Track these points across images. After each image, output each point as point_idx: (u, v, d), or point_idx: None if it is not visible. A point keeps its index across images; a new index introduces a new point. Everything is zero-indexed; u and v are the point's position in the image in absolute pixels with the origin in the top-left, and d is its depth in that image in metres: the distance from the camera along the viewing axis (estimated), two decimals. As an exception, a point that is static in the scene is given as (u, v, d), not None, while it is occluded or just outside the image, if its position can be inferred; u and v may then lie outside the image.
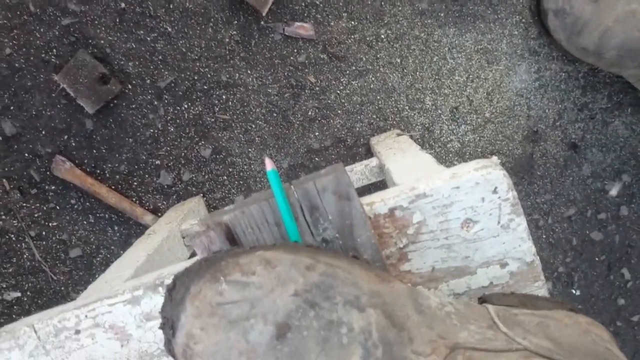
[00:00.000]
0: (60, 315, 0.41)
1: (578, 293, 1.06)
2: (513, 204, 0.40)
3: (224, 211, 0.38)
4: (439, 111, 0.98)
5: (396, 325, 0.33)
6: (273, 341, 0.33)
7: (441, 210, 0.40)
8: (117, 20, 0.90)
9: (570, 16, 0.91)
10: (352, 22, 0.94)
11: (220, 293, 0.33)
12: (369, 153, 0.98)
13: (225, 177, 0.97)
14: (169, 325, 0.34)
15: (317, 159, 0.98)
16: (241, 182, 0.98)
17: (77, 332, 0.41)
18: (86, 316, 0.41)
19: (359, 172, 0.80)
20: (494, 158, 0.98)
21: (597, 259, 1.06)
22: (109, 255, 0.99)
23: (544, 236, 1.04)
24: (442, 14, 0.95)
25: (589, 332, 0.36)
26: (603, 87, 1.00)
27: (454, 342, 0.32)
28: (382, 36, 0.95)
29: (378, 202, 0.41)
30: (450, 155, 1.00)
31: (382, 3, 0.94)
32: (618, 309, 1.08)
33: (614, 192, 1.04)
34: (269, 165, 0.38)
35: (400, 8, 0.94)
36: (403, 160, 0.67)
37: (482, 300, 0.38)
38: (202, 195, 0.97)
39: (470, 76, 0.97)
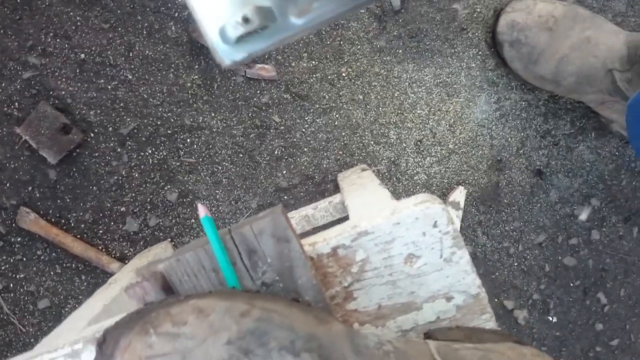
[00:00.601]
0: (-3, 376, 0.40)
1: (555, 320, 1.05)
2: (454, 237, 0.39)
3: (160, 260, 0.37)
4: (404, 145, 0.99)
5: (332, 369, 0.32)
6: (207, 392, 0.32)
7: (384, 247, 0.40)
8: (77, 70, 0.90)
9: (526, 46, 0.93)
10: (313, 62, 0.95)
11: (150, 345, 0.32)
12: (338, 189, 0.98)
13: (193, 221, 0.96)
14: (101, 381, 0.33)
15: (285, 197, 0.98)
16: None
17: (16, 390, 0.40)
18: (26, 374, 0.40)
19: (323, 209, 0.80)
20: (461, 188, 0.98)
21: (571, 284, 1.06)
22: (77, 305, 0.97)
23: (516, 264, 1.04)
24: (400, 51, 0.97)
25: (533, 365, 0.35)
26: (565, 114, 1.01)
27: (391, 383, 0.31)
28: (343, 74, 0.96)
29: (320, 242, 0.40)
30: (418, 187, 1.00)
31: (341, 42, 0.95)
32: (597, 334, 1.07)
33: (583, 216, 1.04)
34: (202, 211, 0.37)
35: (359, 46, 0.96)
36: (362, 196, 0.67)
37: (427, 336, 0.37)
38: (169, 240, 0.96)
39: (432, 109, 0.99)
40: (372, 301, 0.40)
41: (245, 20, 0.27)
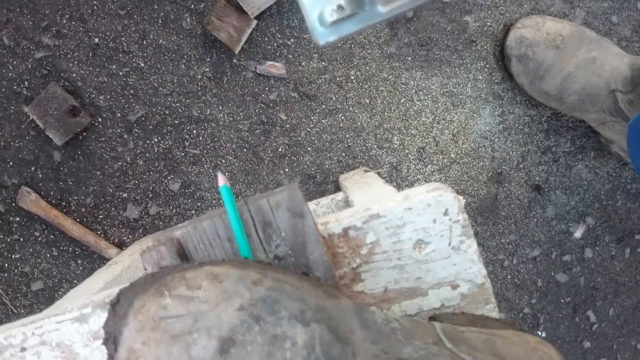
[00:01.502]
0: (6, 332, 0.40)
1: (544, 335, 1.06)
2: (464, 225, 0.40)
3: (177, 227, 0.38)
4: (407, 151, 1.00)
5: (340, 340, 0.32)
6: (216, 356, 0.32)
7: (394, 231, 0.41)
8: (90, 54, 0.91)
9: (533, 62, 0.95)
10: (323, 63, 0.97)
11: (164, 307, 0.33)
12: (338, 190, 0.99)
13: (193, 212, 0.97)
14: (112, 340, 0.34)
15: (286, 195, 0.99)
16: (209, 218, 0.97)
17: (23, 349, 0.40)
18: (33, 333, 0.40)
19: (325, 205, 0.81)
20: (459, 198, 0.99)
21: (562, 300, 1.07)
22: (71, 289, 0.97)
23: (509, 277, 1.05)
24: (409, 58, 0.98)
25: (537, 350, 0.36)
26: (566, 131, 1.03)
27: (398, 357, 0.32)
28: (352, 77, 0.97)
29: (332, 222, 0.41)
30: (418, 194, 1.01)
31: (352, 46, 0.97)
32: (584, 351, 1.08)
33: (578, 234, 1.06)
34: (222, 180, 0.38)
35: (369, 51, 0.97)
36: (367, 192, 0.68)
37: (432, 318, 0.38)
38: (169, 229, 0.96)
39: (437, 118, 1.00)
40: (378, 284, 0.41)
41: (340, 7, 0.31)
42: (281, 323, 0.33)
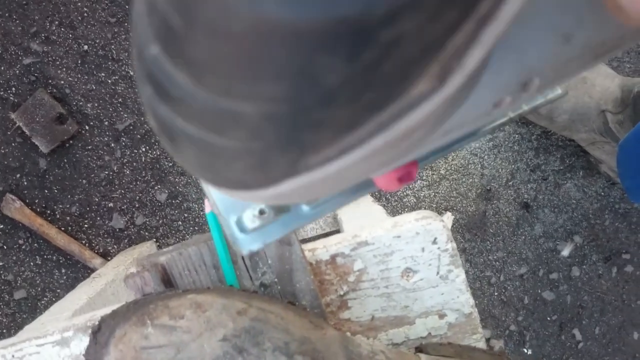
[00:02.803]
0: (-18, 356, 0.39)
1: (530, 352, 1.06)
2: (452, 255, 0.40)
3: (162, 252, 0.37)
4: (397, 166, 1.00)
5: (326, 374, 0.32)
6: (199, 388, 0.31)
7: (382, 259, 0.40)
8: (79, 61, 0.90)
9: (523, 81, 0.95)
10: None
11: (146, 337, 0.32)
12: (327, 204, 0.98)
13: (180, 223, 0.96)
14: (92, 368, 0.33)
15: (274, 208, 0.98)
16: (196, 228, 0.96)
17: (-1, 374, 0.39)
18: (13, 356, 0.39)
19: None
20: (448, 214, 0.99)
21: (548, 318, 1.07)
22: (54, 299, 0.95)
23: (496, 293, 1.05)
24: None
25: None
26: (555, 150, 1.03)
27: (384, 392, 0.31)
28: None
29: (320, 249, 0.40)
30: (406, 209, 1.01)
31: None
32: (569, 369, 1.08)
33: (565, 252, 1.06)
34: (208, 207, 0.37)
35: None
36: (356, 210, 0.68)
37: (418, 349, 0.38)
38: (155, 240, 0.95)
39: (427, 133, 1.00)
40: (365, 312, 0.41)
41: (262, 213, 0.28)
42: (265, 355, 0.32)
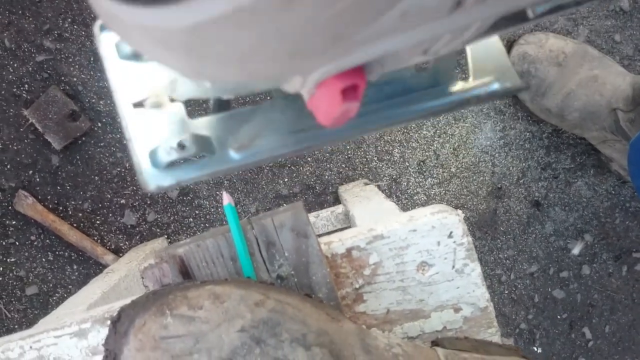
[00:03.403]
0: (4, 346, 0.40)
1: (540, 350, 1.06)
2: (468, 249, 0.40)
3: (180, 244, 0.37)
4: (407, 164, 1.00)
5: (343, 365, 0.32)
6: (217, 378, 0.32)
7: (397, 252, 0.40)
8: (92, 58, 0.91)
9: (535, 78, 0.95)
10: (325, 74, 0.96)
11: (165, 327, 0.32)
12: (337, 201, 0.98)
13: (191, 219, 0.96)
14: (112, 358, 0.33)
15: (285, 204, 0.98)
16: (207, 225, 0.97)
17: (18, 365, 0.39)
18: (31, 347, 0.40)
19: (324, 218, 0.80)
20: (459, 212, 0.99)
21: (559, 317, 1.06)
22: (66, 295, 0.96)
23: (507, 292, 1.05)
24: (412, 70, 0.98)
25: (539, 380, 0.35)
26: (566, 148, 1.03)
27: (402, 384, 0.32)
28: (354, 88, 0.97)
29: (336, 242, 0.41)
30: (417, 207, 1.01)
31: (355, 57, 0.97)
32: (580, 368, 1.08)
33: (576, 251, 1.06)
34: (226, 199, 0.38)
35: (372, 62, 0.97)
36: (367, 207, 0.68)
37: (435, 343, 0.38)
38: (166, 236, 0.96)
39: (438, 131, 1.00)
40: (381, 305, 0.41)
41: (181, 146, 0.24)
42: (282, 346, 0.32)
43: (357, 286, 0.40)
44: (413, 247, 0.40)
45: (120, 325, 0.33)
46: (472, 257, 0.40)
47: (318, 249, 0.37)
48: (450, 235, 0.40)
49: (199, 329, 0.32)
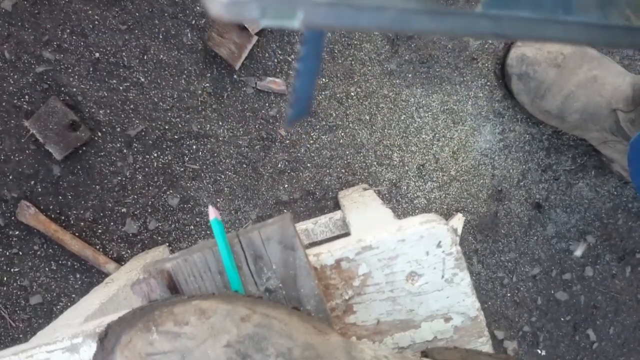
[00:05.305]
0: (-5, 362, 0.40)
1: (544, 353, 1.05)
2: (457, 258, 0.40)
3: (167, 259, 0.38)
4: (406, 168, 1.00)
5: (329, 379, 0.32)
6: (203, 393, 0.32)
7: (387, 263, 0.40)
8: (91, 69, 0.91)
9: (534, 80, 0.94)
10: (323, 79, 0.97)
11: (151, 343, 0.32)
12: (337, 207, 0.98)
13: (192, 227, 0.97)
14: (100, 374, 0.34)
15: (285, 210, 0.98)
16: (209, 232, 0.97)
17: (11, 380, 0.40)
18: (22, 363, 0.40)
19: (323, 224, 0.80)
20: (459, 215, 0.99)
21: (562, 319, 1.06)
22: (69, 304, 0.97)
23: (509, 294, 1.04)
24: (410, 75, 0.98)
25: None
26: (567, 150, 1.03)
27: (387, 397, 0.32)
28: (352, 94, 0.97)
29: (325, 253, 0.41)
30: (417, 211, 1.01)
31: (352, 62, 0.97)
32: (584, 371, 1.07)
33: (578, 252, 1.05)
34: (212, 214, 0.38)
35: (369, 68, 0.97)
36: (364, 214, 0.68)
37: (424, 354, 0.38)
38: (167, 244, 0.96)
39: (437, 135, 1.00)
40: (371, 316, 0.41)
41: None
42: (268, 361, 0.33)
43: (347, 297, 0.41)
44: (402, 257, 0.40)
45: (107, 341, 0.34)
46: (462, 266, 0.40)
47: (305, 261, 0.37)
48: (439, 245, 0.40)
49: (184, 345, 0.33)
